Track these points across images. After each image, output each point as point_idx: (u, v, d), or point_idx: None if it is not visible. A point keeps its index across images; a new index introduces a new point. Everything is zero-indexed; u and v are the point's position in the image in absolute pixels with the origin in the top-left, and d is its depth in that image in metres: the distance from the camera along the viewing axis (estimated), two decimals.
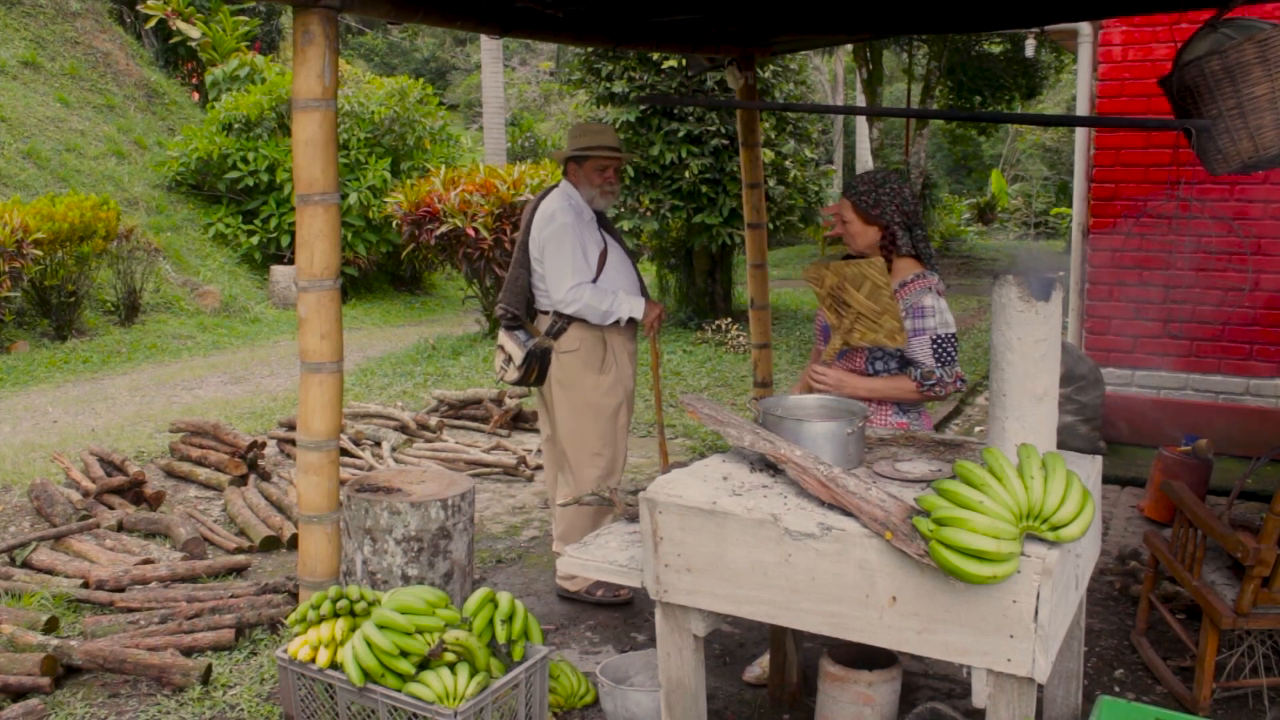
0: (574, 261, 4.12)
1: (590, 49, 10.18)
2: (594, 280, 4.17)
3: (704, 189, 10.16)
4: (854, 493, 2.36)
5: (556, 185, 4.35)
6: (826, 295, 3.25)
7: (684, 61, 9.55)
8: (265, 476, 5.82)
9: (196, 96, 17.31)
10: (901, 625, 2.32)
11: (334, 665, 2.89)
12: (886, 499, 2.33)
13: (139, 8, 16.94)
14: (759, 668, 3.63)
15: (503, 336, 4.31)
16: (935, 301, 3.24)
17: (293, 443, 6.27)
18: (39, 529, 4.97)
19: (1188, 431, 5.70)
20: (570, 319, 4.19)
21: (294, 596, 4.11)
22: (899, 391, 3.27)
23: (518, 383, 4.27)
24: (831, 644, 3.05)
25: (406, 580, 3.42)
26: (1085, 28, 6.37)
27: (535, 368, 4.23)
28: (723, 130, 9.90)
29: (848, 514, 2.38)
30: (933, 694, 3.46)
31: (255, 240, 13.83)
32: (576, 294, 4.11)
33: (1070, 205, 8.16)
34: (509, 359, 4.26)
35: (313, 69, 2.98)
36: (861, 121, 22.80)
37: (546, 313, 4.27)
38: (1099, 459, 2.91)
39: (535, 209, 4.27)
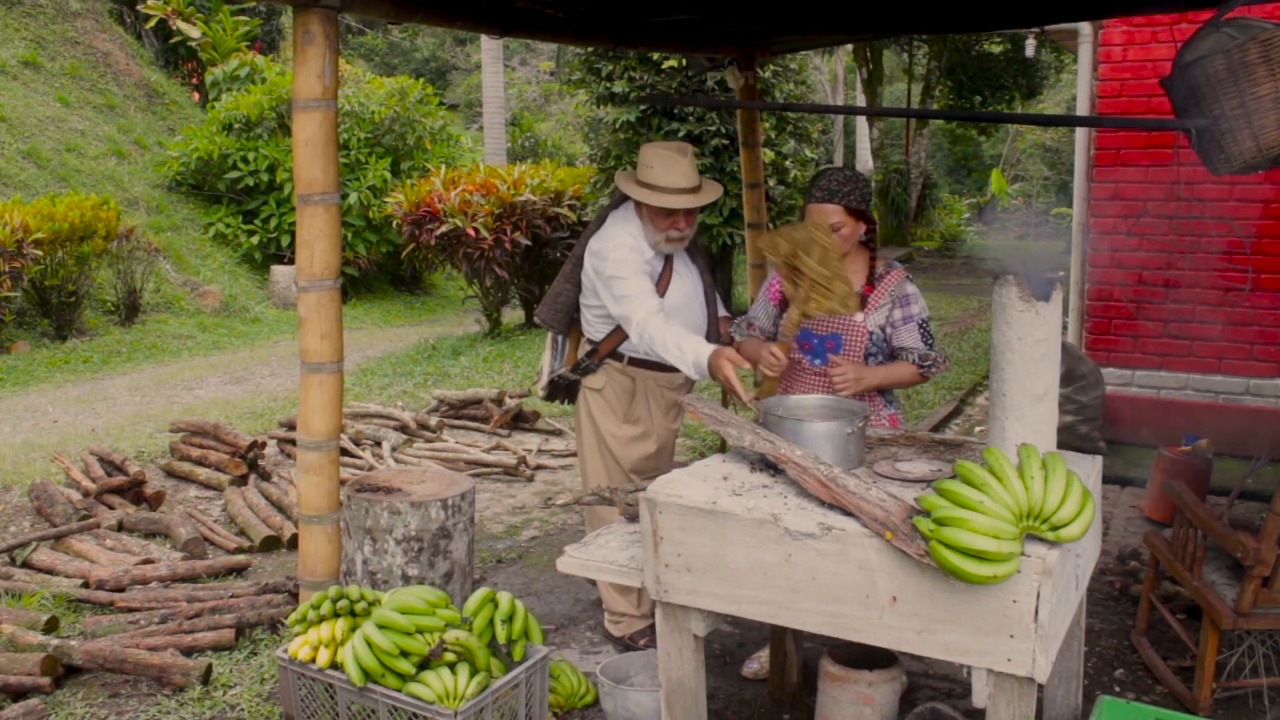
0: (639, 288, 3.50)
1: (590, 49, 10.18)
2: None
3: None
4: (854, 493, 2.36)
5: (622, 204, 3.73)
6: (783, 264, 3.10)
7: (684, 61, 9.55)
8: (265, 476, 5.82)
9: (197, 96, 17.32)
10: (901, 625, 2.32)
11: (334, 665, 2.89)
12: (886, 499, 2.33)
13: (139, 8, 16.94)
14: (757, 663, 3.64)
15: (547, 342, 4.02)
16: (914, 289, 3.38)
17: (293, 443, 6.27)
18: (39, 529, 4.97)
19: (1188, 431, 5.70)
20: (601, 361, 3.79)
21: (294, 596, 4.11)
22: (905, 375, 3.35)
23: (546, 399, 4.08)
24: (832, 644, 3.05)
25: (406, 580, 3.42)
26: (1085, 28, 6.36)
27: (561, 395, 4.05)
28: (723, 130, 9.89)
29: (848, 514, 2.38)
30: (933, 694, 3.46)
31: (255, 240, 13.83)
32: (642, 330, 3.46)
33: (1070, 205, 8.15)
34: (541, 371, 4.04)
35: (313, 69, 2.98)
36: (861, 121, 22.82)
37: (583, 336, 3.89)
38: (1099, 459, 2.91)
39: (595, 230, 3.74)
